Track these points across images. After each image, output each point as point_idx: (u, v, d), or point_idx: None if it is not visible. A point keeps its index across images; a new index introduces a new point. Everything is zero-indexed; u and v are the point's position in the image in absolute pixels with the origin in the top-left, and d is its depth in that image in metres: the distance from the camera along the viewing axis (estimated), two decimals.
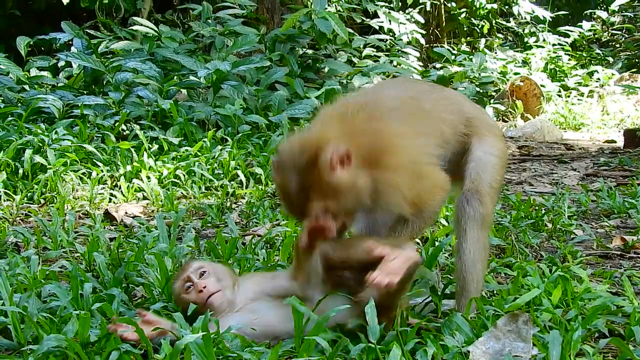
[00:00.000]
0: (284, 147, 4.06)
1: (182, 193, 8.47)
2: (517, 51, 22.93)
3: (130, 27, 14.69)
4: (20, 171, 8.31)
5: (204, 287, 4.12)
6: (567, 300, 4.54)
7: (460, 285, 4.45)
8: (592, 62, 23.55)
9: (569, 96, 20.36)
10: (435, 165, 4.36)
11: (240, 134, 10.83)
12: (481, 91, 18.38)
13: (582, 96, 20.50)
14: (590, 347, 3.78)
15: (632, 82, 20.45)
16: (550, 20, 23.92)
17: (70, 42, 13.27)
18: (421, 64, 19.07)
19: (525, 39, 24.04)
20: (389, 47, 18.16)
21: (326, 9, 14.93)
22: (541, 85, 19.39)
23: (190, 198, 8.36)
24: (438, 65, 19.63)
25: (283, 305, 3.94)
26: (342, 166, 3.89)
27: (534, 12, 23.57)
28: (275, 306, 4.06)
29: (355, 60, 16.69)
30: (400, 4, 20.46)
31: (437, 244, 5.57)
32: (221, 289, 4.15)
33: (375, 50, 17.60)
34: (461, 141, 4.60)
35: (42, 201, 7.93)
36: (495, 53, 22.14)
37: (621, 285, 5.00)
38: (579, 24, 24.38)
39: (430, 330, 3.93)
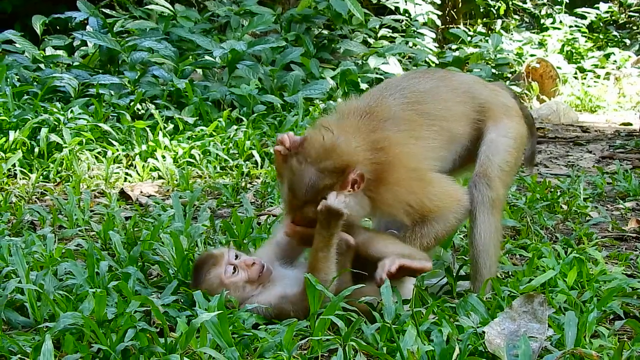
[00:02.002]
0: (314, 139, 4.15)
1: (197, 173, 8.49)
2: (534, 33, 22.81)
3: (146, 6, 14.66)
4: (36, 150, 8.32)
5: (253, 263, 4.16)
6: (583, 282, 4.54)
7: (474, 269, 4.46)
8: (609, 44, 23.38)
9: (585, 78, 20.27)
10: (444, 176, 4.40)
11: (255, 114, 10.83)
12: (497, 73, 18.30)
13: (599, 78, 20.40)
14: (605, 329, 3.78)
15: None
16: (567, 1, 23.75)
17: (86, 21, 13.26)
18: (437, 45, 18.97)
19: (542, 21, 23.89)
20: (404, 28, 18.09)
21: None
22: (557, 67, 19.30)
23: (206, 178, 8.37)
24: (454, 47, 19.52)
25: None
26: (354, 189, 4.09)
27: None
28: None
29: (370, 40, 16.62)
30: None
31: None
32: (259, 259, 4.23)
33: (390, 31, 17.53)
34: (477, 127, 4.60)
35: (58, 180, 7.95)
36: (512, 34, 22.03)
37: (636, 268, 5.00)
38: (596, 5, 24.22)
39: (446, 310, 3.93)
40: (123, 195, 7.39)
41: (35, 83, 11.05)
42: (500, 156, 4.51)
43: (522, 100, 5.50)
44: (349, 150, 4.09)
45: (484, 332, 3.50)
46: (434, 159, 4.40)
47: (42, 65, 12.04)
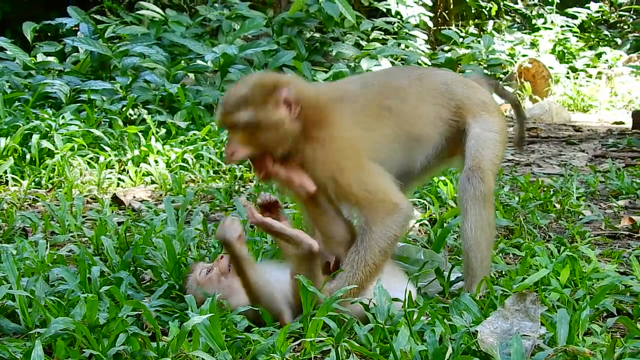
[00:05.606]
0: (245, 78, 4.43)
1: (190, 177, 8.47)
2: (525, 33, 22.86)
3: (137, 12, 14.67)
4: (28, 156, 8.30)
5: (221, 257, 4.23)
6: (576, 280, 4.55)
7: (465, 265, 4.44)
8: (600, 43, 23.43)
9: (577, 78, 20.30)
10: (388, 175, 4.23)
11: None
12: (489, 73, 18.32)
13: (591, 78, 20.43)
14: (598, 326, 3.78)
15: None
16: (558, 1, 23.79)
17: (77, 27, 13.29)
18: (429, 46, 19.00)
19: (533, 21, 23.93)
20: (396, 30, 18.09)
21: None
22: (549, 67, 19.33)
23: (199, 182, 8.36)
24: (446, 48, 19.56)
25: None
26: (287, 109, 4.08)
27: None
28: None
29: (362, 43, 16.62)
30: None
31: (445, 225, 5.57)
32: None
33: (382, 33, 17.53)
34: (455, 126, 4.60)
35: (50, 186, 7.93)
36: (503, 35, 22.08)
37: (629, 265, 5.00)
38: (587, 5, 24.26)
39: (438, 310, 3.93)
40: (115, 201, 7.37)
41: (26, 90, 11.05)
42: (490, 150, 4.52)
43: (504, 86, 5.54)
44: (281, 79, 4.22)
45: (476, 331, 3.49)
46: (380, 152, 4.30)
47: (33, 72, 12.04)
